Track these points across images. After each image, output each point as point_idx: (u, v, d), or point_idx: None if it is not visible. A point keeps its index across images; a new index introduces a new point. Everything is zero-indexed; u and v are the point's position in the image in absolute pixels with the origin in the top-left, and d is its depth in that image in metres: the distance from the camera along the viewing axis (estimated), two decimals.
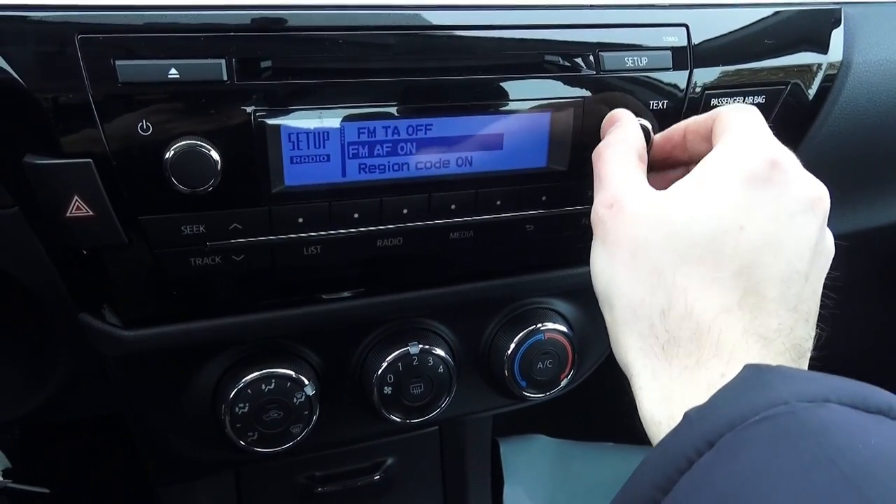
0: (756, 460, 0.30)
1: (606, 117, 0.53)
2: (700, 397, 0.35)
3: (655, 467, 0.33)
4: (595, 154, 0.48)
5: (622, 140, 0.48)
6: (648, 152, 0.50)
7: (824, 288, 0.43)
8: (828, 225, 0.43)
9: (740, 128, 0.43)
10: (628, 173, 0.45)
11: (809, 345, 0.41)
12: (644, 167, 0.47)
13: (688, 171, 0.43)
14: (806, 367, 0.40)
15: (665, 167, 0.52)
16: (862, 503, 0.27)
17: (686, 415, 0.34)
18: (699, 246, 0.39)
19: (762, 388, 0.33)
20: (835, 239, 0.44)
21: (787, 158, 0.41)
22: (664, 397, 0.39)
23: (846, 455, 0.29)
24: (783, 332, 0.39)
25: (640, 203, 0.42)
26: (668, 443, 0.34)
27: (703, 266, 0.39)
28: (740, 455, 0.31)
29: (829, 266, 0.43)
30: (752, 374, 0.34)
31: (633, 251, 0.41)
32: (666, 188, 0.43)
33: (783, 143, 0.43)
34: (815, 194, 0.41)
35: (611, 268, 0.42)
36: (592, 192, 0.59)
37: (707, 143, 0.46)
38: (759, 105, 0.61)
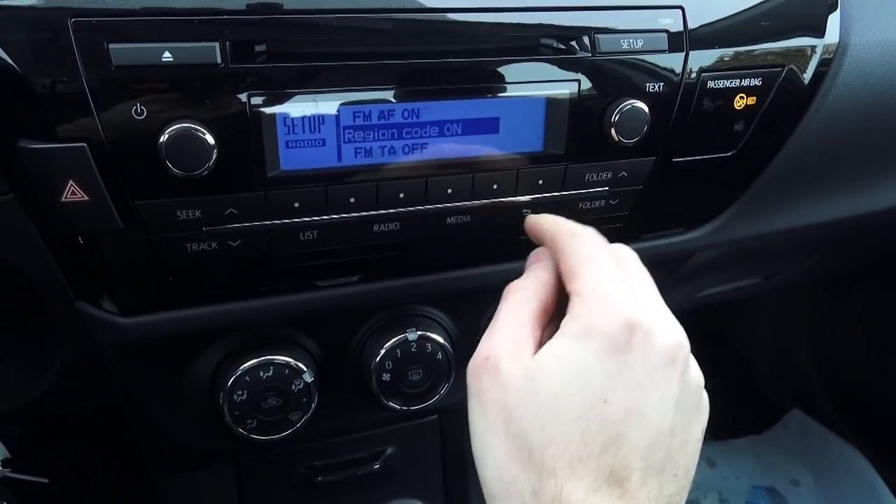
0: None
1: (532, 254, 0.51)
2: None
3: None
4: (505, 291, 0.47)
5: (530, 286, 0.47)
6: None
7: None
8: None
9: (589, 278, 0.43)
10: (518, 328, 0.44)
11: (682, 497, 0.41)
12: (544, 318, 0.46)
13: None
14: None
15: None
16: None
17: None
18: (566, 423, 0.39)
19: None
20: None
21: (642, 314, 0.41)
22: None
23: None
24: (652, 499, 0.39)
25: (514, 366, 0.42)
26: None
27: (570, 445, 0.39)
28: None
29: (701, 403, 0.43)
30: None
31: (506, 421, 0.40)
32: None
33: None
34: (673, 342, 0.41)
35: (485, 434, 0.42)
36: (590, 177, 0.59)
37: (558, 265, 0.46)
38: (754, 88, 0.61)
